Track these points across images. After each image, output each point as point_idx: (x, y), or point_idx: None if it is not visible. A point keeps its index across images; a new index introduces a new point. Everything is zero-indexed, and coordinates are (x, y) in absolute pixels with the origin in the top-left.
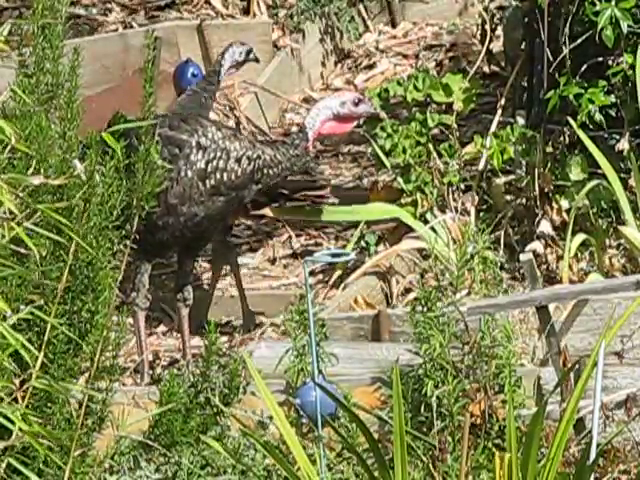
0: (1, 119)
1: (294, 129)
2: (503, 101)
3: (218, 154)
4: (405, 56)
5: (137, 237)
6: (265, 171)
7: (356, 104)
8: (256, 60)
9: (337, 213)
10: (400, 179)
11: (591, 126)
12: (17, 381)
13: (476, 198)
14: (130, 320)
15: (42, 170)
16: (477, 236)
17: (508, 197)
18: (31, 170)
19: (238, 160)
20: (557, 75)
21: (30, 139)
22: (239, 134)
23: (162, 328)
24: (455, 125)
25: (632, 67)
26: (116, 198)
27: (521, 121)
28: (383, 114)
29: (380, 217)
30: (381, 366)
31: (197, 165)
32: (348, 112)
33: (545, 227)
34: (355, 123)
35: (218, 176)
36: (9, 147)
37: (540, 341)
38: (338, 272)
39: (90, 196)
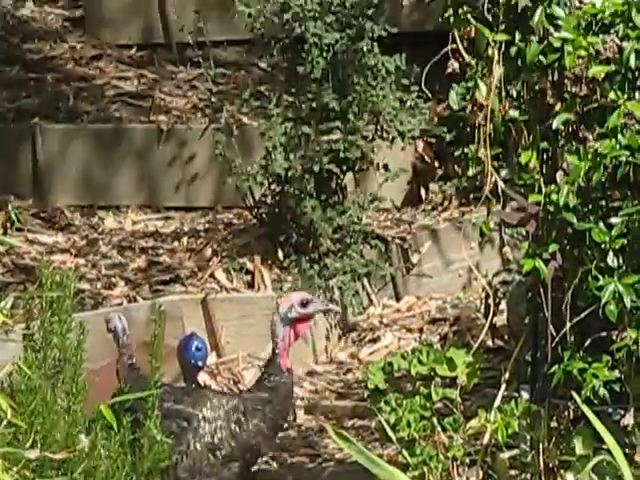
0: (4, 393)
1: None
2: (507, 375)
3: (225, 424)
4: (409, 330)
5: None
6: (260, 419)
7: (304, 305)
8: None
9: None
10: (405, 453)
11: (595, 401)
12: None
13: (480, 473)
14: None
15: (46, 444)
16: None
17: (513, 472)
18: (29, 444)
19: (242, 424)
20: (561, 349)
21: (35, 413)
22: (238, 398)
23: None
24: (459, 399)
25: (636, 342)
26: (120, 473)
27: (525, 395)
28: (336, 308)
29: None
30: None
31: (205, 438)
32: (298, 315)
33: None
34: (312, 321)
35: (227, 444)
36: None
37: None
38: None
39: (94, 470)
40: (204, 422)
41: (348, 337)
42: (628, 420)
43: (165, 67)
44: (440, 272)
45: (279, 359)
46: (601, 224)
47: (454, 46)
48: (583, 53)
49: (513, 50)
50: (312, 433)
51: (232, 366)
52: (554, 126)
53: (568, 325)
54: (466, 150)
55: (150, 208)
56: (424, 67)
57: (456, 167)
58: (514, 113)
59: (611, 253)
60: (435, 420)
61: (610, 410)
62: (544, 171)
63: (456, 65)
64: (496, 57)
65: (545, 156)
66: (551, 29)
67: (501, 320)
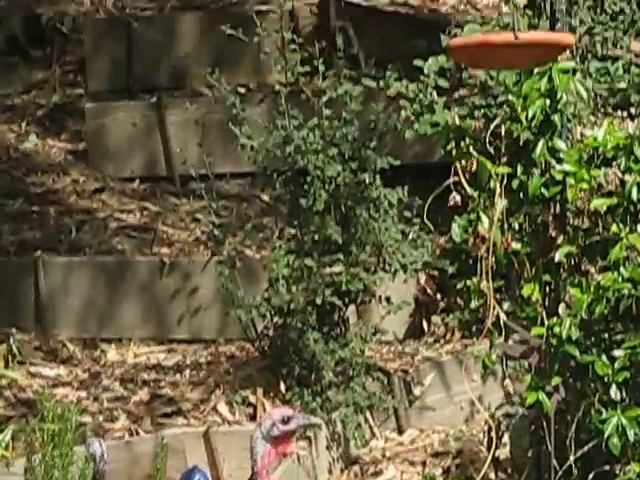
0: None
1: None
2: None
3: None
4: (412, 463)
5: None
6: None
7: (286, 422)
8: None
9: None
10: None
11: None
12: None
13: None
14: None
15: None
16: None
17: None
18: None
19: None
20: None
21: None
22: None
23: None
24: None
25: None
26: None
27: None
28: (317, 420)
29: None
30: None
31: None
32: (280, 433)
33: None
34: (295, 437)
35: None
36: None
37: None
38: None
39: None
40: None
41: (351, 470)
42: None
43: (168, 200)
44: (443, 405)
45: (257, 479)
46: (604, 357)
47: (456, 179)
48: (585, 186)
49: (515, 183)
50: None
51: None
52: (556, 259)
53: (572, 458)
54: (468, 283)
55: (153, 340)
56: (427, 199)
57: (458, 299)
58: (516, 246)
59: (614, 386)
60: None
61: None
62: (546, 304)
63: (458, 198)
64: (498, 190)
65: (547, 289)
66: (553, 162)
67: (504, 453)
